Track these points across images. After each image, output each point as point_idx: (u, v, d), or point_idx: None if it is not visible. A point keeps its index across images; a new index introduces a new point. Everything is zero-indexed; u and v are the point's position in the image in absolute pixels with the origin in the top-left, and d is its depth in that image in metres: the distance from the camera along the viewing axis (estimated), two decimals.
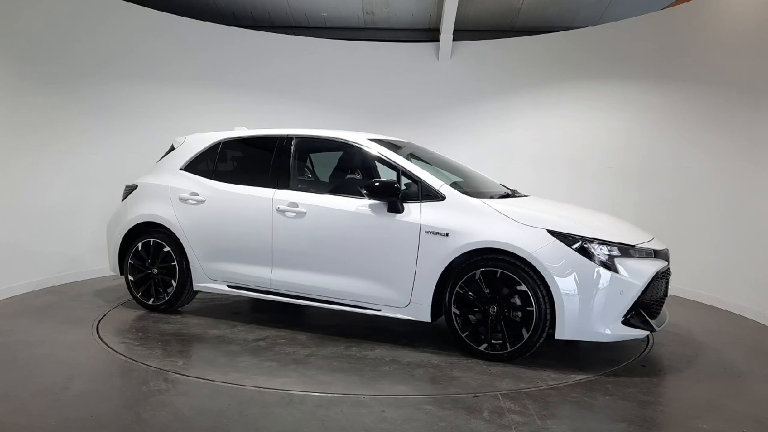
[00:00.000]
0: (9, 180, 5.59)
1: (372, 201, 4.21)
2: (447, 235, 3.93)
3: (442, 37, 8.15)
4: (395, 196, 4.11)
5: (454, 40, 8.18)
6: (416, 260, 4.02)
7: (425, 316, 4.05)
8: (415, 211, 4.08)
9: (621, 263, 3.71)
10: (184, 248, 4.81)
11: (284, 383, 3.39)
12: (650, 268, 3.81)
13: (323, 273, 4.35)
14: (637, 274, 3.72)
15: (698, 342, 4.55)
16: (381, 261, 4.16)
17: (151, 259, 4.94)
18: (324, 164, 5.17)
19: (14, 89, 5.69)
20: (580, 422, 2.94)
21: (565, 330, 3.65)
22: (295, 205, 4.41)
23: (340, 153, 4.95)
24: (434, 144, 5.78)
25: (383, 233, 4.14)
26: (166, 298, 4.91)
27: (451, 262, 3.93)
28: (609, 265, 3.68)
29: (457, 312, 3.93)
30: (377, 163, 4.84)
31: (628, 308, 3.68)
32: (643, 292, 3.72)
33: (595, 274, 3.64)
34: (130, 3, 7.09)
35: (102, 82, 6.71)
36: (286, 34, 8.43)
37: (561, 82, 7.79)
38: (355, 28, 9.07)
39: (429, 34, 8.94)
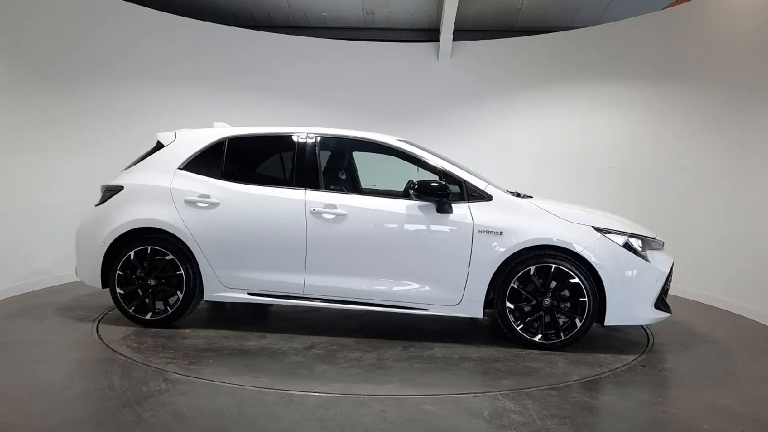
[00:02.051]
0: (9, 180, 5.59)
1: (419, 202, 4.24)
2: (501, 233, 4.11)
3: (442, 37, 8.15)
4: (446, 196, 4.17)
5: (454, 40, 8.19)
6: (470, 259, 4.13)
7: (478, 313, 4.19)
8: (465, 212, 4.19)
9: (650, 254, 4.20)
10: (194, 256, 4.42)
11: (395, 388, 3.37)
12: (669, 257, 4.34)
13: (367, 275, 4.28)
14: (663, 262, 4.22)
15: (698, 342, 4.55)
16: (432, 261, 4.20)
17: (148, 268, 4.46)
18: (353, 165, 5.11)
19: (14, 89, 5.69)
20: (580, 422, 2.94)
21: (614, 317, 4.07)
22: (333, 206, 4.28)
23: (371, 153, 4.89)
24: (434, 144, 5.76)
25: (435, 234, 4.20)
26: (170, 311, 4.47)
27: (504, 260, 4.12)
28: (644, 256, 4.14)
29: (512, 306, 4.14)
30: (408, 164, 4.80)
31: (658, 294, 4.14)
32: (666, 279, 4.19)
33: (637, 264, 4.09)
34: (130, 3, 7.09)
35: (102, 82, 6.71)
36: (286, 34, 8.43)
37: (561, 82, 7.79)
38: (355, 28, 9.07)
39: (429, 34, 8.94)
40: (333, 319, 4.96)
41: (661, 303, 4.20)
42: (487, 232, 4.12)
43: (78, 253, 4.73)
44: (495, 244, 4.11)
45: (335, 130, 4.67)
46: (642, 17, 7.13)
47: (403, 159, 4.51)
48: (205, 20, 7.88)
